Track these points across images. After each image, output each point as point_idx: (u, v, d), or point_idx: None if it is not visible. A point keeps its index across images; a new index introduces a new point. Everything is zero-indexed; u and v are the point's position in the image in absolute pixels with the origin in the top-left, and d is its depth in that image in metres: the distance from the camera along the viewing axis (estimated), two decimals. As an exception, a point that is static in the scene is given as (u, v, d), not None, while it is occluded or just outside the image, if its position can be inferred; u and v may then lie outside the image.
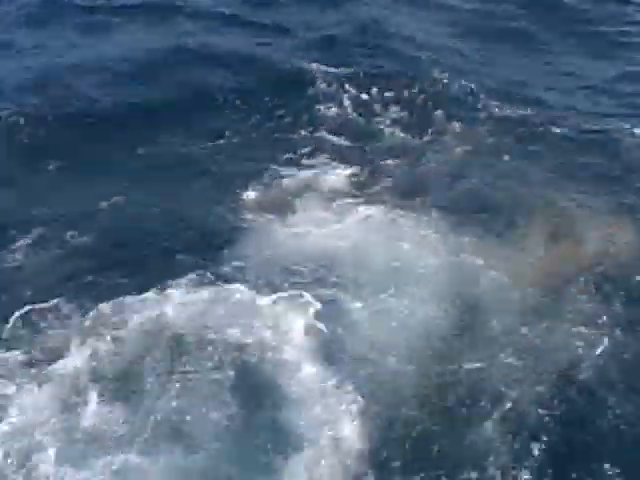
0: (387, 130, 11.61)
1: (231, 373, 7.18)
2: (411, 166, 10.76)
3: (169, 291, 8.10)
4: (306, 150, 10.95)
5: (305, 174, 10.46)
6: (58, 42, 14.46)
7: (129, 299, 7.99)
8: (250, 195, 10.03)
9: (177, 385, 7.07)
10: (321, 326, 7.72)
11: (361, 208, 9.65)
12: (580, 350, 7.57)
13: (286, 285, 8.24)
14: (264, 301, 8.00)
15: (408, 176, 10.52)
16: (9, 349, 7.49)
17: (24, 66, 13.32)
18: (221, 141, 11.29)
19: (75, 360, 7.33)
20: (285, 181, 10.33)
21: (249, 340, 7.50)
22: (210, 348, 7.41)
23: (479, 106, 12.29)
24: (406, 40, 14.68)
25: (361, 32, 14.74)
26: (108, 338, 7.56)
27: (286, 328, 7.69)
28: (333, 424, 6.71)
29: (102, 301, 7.99)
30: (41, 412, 6.81)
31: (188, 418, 6.79)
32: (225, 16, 15.59)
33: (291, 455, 6.45)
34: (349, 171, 10.51)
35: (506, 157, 11.00)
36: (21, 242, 8.98)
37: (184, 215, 9.63)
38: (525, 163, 10.91)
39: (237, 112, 12.02)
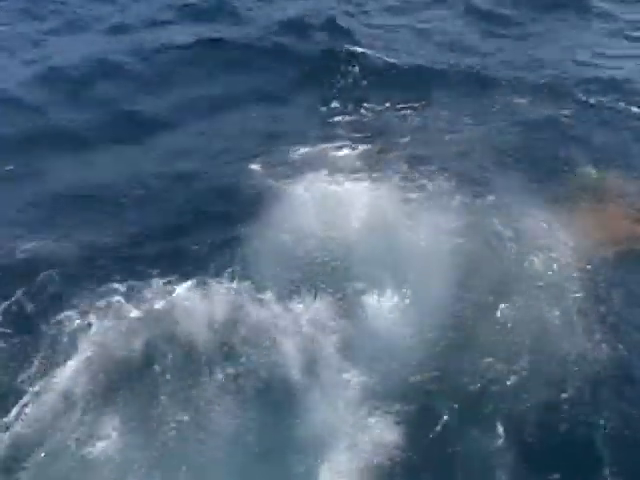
0: (400, 116, 11.07)
1: (244, 379, 6.66)
2: (424, 144, 10.19)
3: (180, 286, 7.55)
4: (319, 135, 10.42)
5: (316, 149, 9.94)
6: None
7: (139, 290, 7.50)
8: (259, 167, 9.56)
9: (187, 395, 6.54)
10: (340, 323, 7.16)
11: (374, 177, 9.13)
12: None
13: (299, 277, 7.63)
14: (277, 296, 7.41)
15: (421, 151, 9.95)
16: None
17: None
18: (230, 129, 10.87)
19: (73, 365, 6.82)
20: (296, 156, 9.85)
21: (263, 341, 6.96)
22: (220, 348, 6.91)
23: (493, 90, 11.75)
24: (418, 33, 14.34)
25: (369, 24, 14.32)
26: (114, 335, 7.05)
27: (304, 326, 7.12)
28: (356, 432, 6.21)
29: (111, 292, 7.50)
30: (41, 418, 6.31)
31: (200, 432, 6.25)
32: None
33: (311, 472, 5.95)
34: (360, 147, 9.96)
35: (521, 136, 10.48)
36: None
37: (196, 201, 9.18)
38: (540, 141, 10.39)
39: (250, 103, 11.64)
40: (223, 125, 10.96)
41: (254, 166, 9.59)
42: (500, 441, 6.14)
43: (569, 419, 6.31)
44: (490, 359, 6.78)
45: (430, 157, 9.67)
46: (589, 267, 7.80)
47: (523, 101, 11.40)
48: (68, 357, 6.82)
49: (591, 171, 9.40)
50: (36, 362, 6.80)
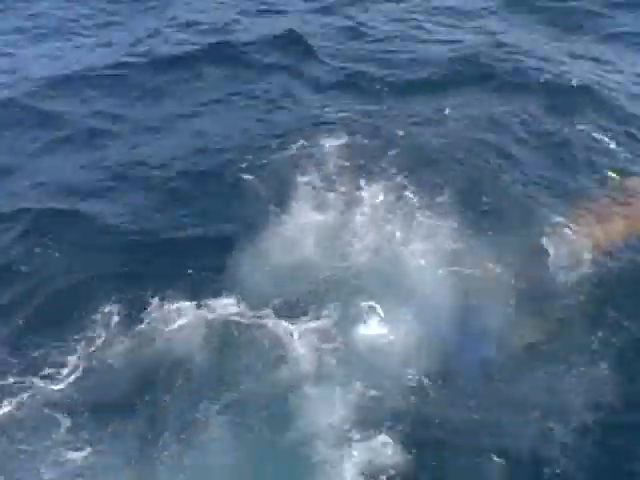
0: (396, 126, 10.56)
1: (241, 400, 6.37)
2: (419, 152, 9.74)
3: (178, 304, 7.27)
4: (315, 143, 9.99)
5: (311, 159, 9.50)
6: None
7: (135, 309, 7.23)
8: (255, 179, 9.22)
9: (184, 413, 6.26)
10: (338, 343, 6.85)
11: (370, 190, 8.68)
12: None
13: (297, 295, 7.32)
14: (275, 314, 7.13)
15: (415, 152, 9.53)
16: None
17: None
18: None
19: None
20: (292, 165, 9.45)
21: (261, 359, 6.71)
22: (217, 366, 6.66)
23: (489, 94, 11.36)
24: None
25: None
26: (107, 353, 6.81)
27: (303, 345, 6.86)
28: (354, 450, 5.97)
29: (107, 309, 7.24)
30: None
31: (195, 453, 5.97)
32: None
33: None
34: (356, 156, 9.48)
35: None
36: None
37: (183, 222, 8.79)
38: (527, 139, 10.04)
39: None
40: (221, 131, 10.69)
41: (249, 177, 9.30)
42: (495, 470, 5.86)
43: (568, 450, 6.00)
44: (489, 385, 6.53)
45: (424, 167, 9.28)
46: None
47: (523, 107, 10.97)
48: (58, 372, 6.63)
49: (611, 175, 9.10)
50: (20, 374, 6.62)
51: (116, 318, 7.12)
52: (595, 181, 9.07)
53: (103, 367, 6.67)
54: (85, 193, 9.39)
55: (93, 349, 6.82)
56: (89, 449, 5.98)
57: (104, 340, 6.90)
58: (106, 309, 7.23)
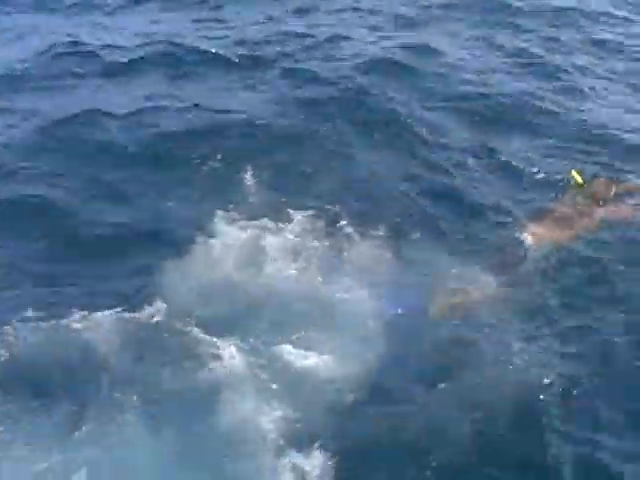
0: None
1: (159, 411, 5.93)
2: (353, 165, 9.36)
3: (98, 312, 6.76)
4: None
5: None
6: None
7: (53, 314, 6.70)
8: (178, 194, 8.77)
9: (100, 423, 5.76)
10: (263, 361, 6.43)
11: (300, 219, 8.12)
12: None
13: (223, 315, 6.87)
14: (200, 330, 6.67)
15: (349, 174, 9.07)
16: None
17: None
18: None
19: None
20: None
21: (184, 371, 6.27)
22: (137, 379, 6.18)
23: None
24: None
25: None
26: (23, 357, 6.33)
27: (226, 362, 6.41)
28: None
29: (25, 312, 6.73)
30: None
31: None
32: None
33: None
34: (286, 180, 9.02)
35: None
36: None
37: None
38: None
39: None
40: (158, 140, 10.14)
41: (179, 190, 8.86)
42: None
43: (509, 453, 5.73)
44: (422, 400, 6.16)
45: (357, 192, 8.81)
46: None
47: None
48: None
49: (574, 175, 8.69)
50: None
51: (38, 314, 6.69)
52: (547, 193, 8.80)
53: (22, 360, 6.30)
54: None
55: (11, 345, 6.41)
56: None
57: (25, 336, 6.49)
58: (28, 305, 6.80)
